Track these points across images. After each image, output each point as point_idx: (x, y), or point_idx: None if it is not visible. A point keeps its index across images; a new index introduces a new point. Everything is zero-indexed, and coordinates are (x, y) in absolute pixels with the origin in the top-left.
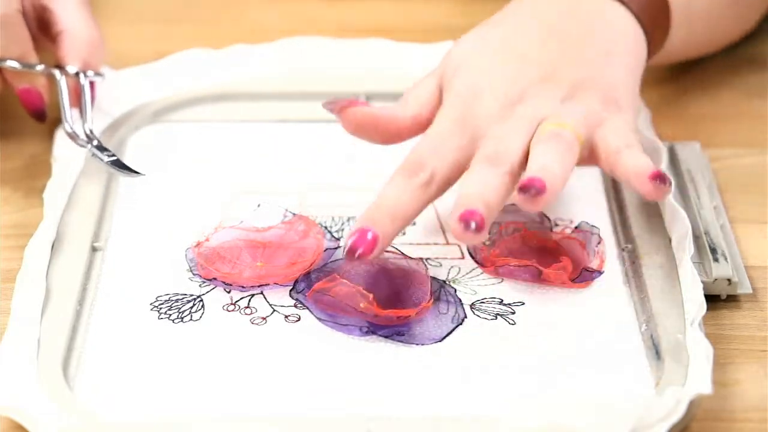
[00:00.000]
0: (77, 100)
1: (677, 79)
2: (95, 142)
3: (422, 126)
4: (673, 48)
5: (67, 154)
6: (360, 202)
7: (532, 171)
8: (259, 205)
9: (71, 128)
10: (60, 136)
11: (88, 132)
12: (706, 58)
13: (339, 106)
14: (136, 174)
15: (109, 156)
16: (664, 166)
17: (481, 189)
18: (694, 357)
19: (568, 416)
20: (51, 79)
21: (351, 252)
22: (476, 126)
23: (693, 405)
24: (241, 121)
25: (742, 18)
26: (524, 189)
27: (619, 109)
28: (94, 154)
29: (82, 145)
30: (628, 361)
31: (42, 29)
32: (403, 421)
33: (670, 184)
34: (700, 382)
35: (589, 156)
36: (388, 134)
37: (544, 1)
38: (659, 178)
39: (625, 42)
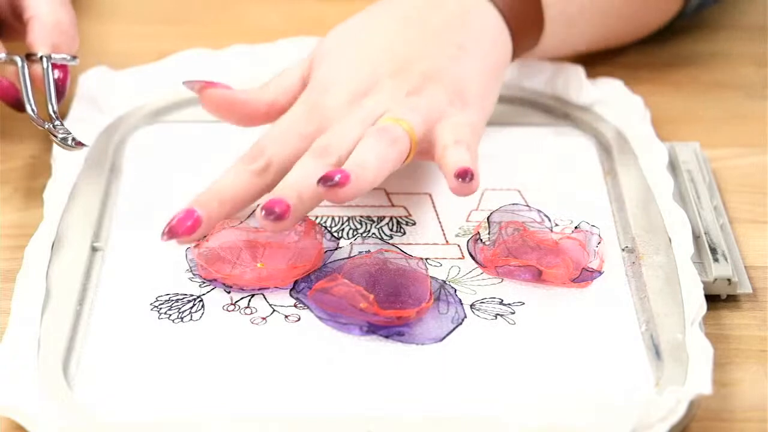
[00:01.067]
0: (54, 84)
1: (677, 79)
2: (57, 123)
3: (277, 113)
4: (555, 46)
5: (67, 154)
6: (360, 202)
7: (347, 163)
8: (259, 205)
9: (33, 111)
10: None
11: (52, 113)
12: (706, 57)
13: (198, 86)
14: (84, 146)
15: (63, 133)
16: (664, 166)
17: (299, 179)
18: (694, 357)
19: (568, 416)
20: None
21: (171, 233)
22: (323, 117)
23: (693, 405)
24: None
25: (637, 16)
26: (324, 180)
27: (465, 105)
28: (49, 132)
29: (40, 125)
30: (628, 361)
31: (18, 18)
32: (403, 422)
33: (472, 179)
34: (700, 382)
35: (425, 152)
36: (242, 117)
37: None
38: (463, 175)
39: (484, 39)
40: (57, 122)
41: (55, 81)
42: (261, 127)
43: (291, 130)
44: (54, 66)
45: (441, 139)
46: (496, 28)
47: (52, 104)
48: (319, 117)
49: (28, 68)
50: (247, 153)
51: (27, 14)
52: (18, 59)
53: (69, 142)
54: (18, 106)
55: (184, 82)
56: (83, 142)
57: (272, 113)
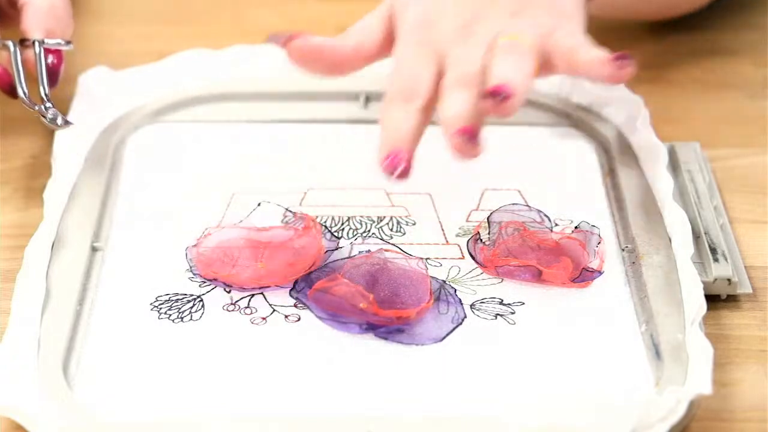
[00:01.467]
0: (46, 69)
1: (677, 79)
2: (48, 104)
3: (365, 57)
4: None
5: (67, 154)
6: (360, 202)
7: (495, 79)
8: (259, 205)
9: (24, 94)
10: (60, 136)
11: (44, 96)
12: (707, 57)
13: (284, 39)
14: (71, 124)
15: (52, 114)
16: (664, 166)
17: (461, 110)
18: (694, 357)
19: (568, 416)
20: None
21: (390, 170)
22: (438, 49)
23: (693, 405)
24: (241, 121)
25: None
26: (493, 94)
27: (568, 18)
28: (39, 113)
29: (31, 107)
30: (628, 361)
31: (12, 5)
32: (403, 422)
33: (625, 60)
34: (700, 382)
35: (545, 65)
36: (330, 65)
37: None
38: (621, 58)
39: None
40: (48, 104)
41: (50, 66)
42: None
43: (419, 65)
44: (48, 51)
45: (564, 45)
46: None
47: (44, 87)
48: (434, 50)
49: (21, 53)
50: (399, 92)
51: (21, 0)
52: (11, 44)
53: (58, 122)
54: (11, 92)
55: (268, 38)
56: (70, 121)
57: (359, 58)
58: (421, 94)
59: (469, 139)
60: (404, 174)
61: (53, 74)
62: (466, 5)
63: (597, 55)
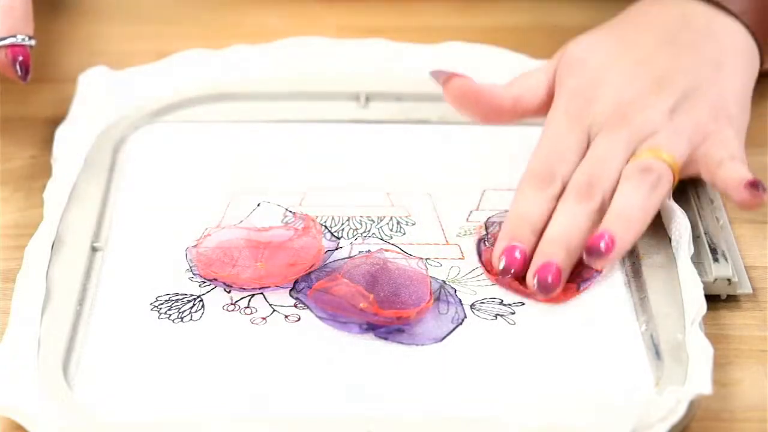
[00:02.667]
0: (9, 69)
1: None
2: None
3: (523, 111)
4: None
5: (67, 154)
6: (360, 202)
7: (610, 216)
8: (259, 205)
9: None
10: (60, 136)
11: None
12: None
13: (444, 77)
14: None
15: None
16: None
17: (567, 232)
18: (694, 357)
19: (568, 416)
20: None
21: (505, 271)
22: (590, 125)
23: (693, 405)
24: (241, 121)
25: None
26: (589, 251)
27: (729, 121)
28: None
29: None
30: (628, 361)
31: None
32: (403, 422)
33: (764, 191)
34: (700, 382)
35: (687, 167)
36: (487, 111)
37: (658, 11)
38: (755, 186)
39: (736, 54)
40: None
41: (20, 62)
42: (268, 131)
43: (565, 143)
44: (15, 48)
45: (714, 156)
46: (745, 43)
47: None
48: (587, 126)
49: None
50: (534, 176)
51: None
52: None
53: None
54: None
55: (430, 73)
56: None
57: (517, 110)
58: (558, 179)
59: (546, 286)
60: (517, 272)
61: (24, 69)
62: (628, 87)
63: (737, 175)
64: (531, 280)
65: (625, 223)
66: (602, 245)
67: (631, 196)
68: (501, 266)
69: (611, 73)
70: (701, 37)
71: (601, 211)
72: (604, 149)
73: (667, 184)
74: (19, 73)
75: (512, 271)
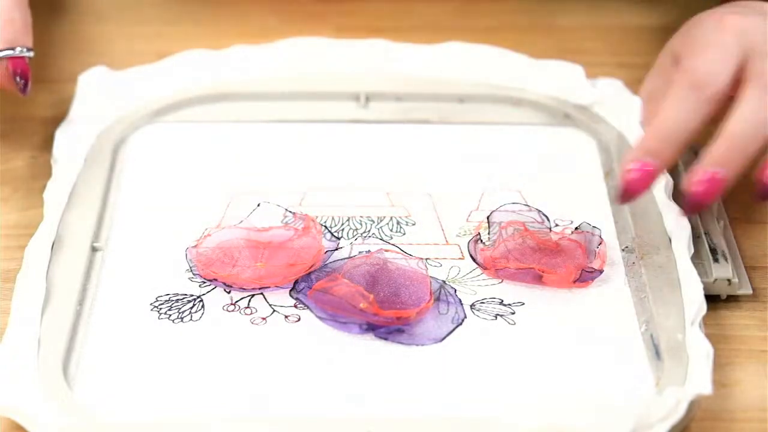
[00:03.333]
0: (8, 81)
1: None
2: None
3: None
4: None
5: (67, 154)
6: (360, 202)
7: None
8: (259, 205)
9: None
10: (60, 136)
11: None
12: None
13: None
14: None
15: None
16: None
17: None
18: (694, 357)
19: (568, 416)
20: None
21: (626, 191)
22: (747, 40)
23: (693, 405)
24: (241, 121)
25: None
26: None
27: None
28: None
29: None
30: (628, 361)
31: None
32: (403, 422)
33: None
34: (700, 382)
35: None
36: None
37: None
38: None
39: None
40: None
41: (19, 74)
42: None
43: (725, 49)
44: (15, 60)
45: None
46: None
47: None
48: (744, 40)
49: None
50: (695, 75)
51: None
52: None
53: None
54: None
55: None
56: None
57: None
58: (718, 81)
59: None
60: (641, 186)
61: (24, 81)
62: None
63: None
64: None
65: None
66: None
67: None
68: (625, 182)
69: (752, 17)
70: None
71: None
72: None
73: None
74: (20, 85)
75: (632, 191)
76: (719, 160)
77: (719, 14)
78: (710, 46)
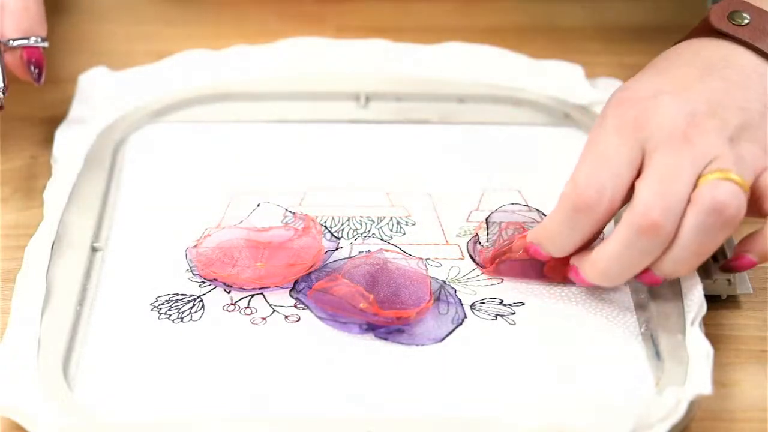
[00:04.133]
0: (23, 70)
1: None
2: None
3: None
4: None
5: (67, 154)
6: (360, 202)
7: (668, 261)
8: (259, 205)
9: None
10: (60, 136)
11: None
12: None
13: None
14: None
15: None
16: None
17: (624, 268)
18: (694, 357)
19: (568, 416)
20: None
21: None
22: (645, 140)
23: (693, 405)
24: (241, 121)
25: None
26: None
27: None
28: None
29: None
30: (628, 361)
31: None
32: (403, 422)
33: None
34: (700, 382)
35: (751, 206)
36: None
37: (696, 50)
38: None
39: None
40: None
41: (34, 62)
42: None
43: (615, 159)
44: (30, 49)
45: None
46: None
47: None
48: (641, 142)
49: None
50: (580, 194)
51: None
52: None
53: None
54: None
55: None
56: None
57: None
58: (605, 199)
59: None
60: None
61: (39, 70)
62: (683, 110)
63: None
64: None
65: (685, 268)
66: (648, 282)
67: (696, 240)
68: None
69: (662, 99)
70: (746, 77)
71: (663, 246)
72: (670, 166)
73: (737, 218)
74: (34, 74)
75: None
76: (589, 279)
77: (624, 98)
78: (600, 157)
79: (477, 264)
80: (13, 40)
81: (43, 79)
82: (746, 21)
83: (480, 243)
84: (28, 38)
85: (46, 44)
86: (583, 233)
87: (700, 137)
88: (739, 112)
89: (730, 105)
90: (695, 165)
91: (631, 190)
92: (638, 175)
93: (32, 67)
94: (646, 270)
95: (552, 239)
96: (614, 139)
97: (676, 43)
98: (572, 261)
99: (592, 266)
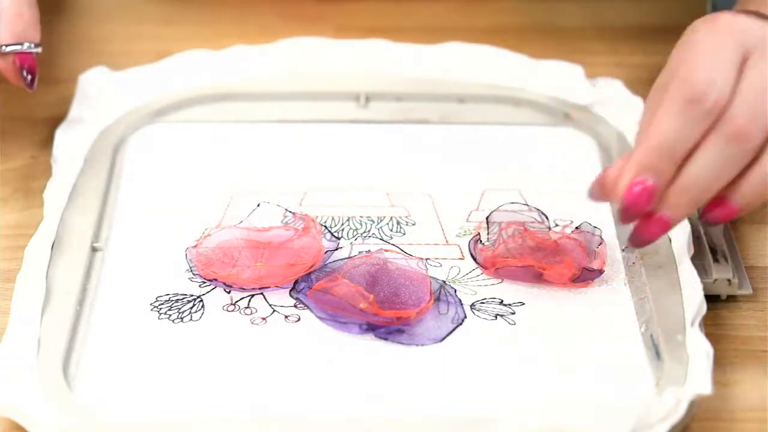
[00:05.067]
0: (15, 76)
1: None
2: None
3: None
4: None
5: (67, 154)
6: (360, 202)
7: (748, 187)
8: (259, 205)
9: None
10: (60, 136)
11: None
12: None
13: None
14: None
15: None
16: None
17: (711, 181)
18: (694, 357)
19: (568, 416)
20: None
21: (625, 211)
22: (743, 44)
23: (693, 405)
24: (241, 121)
25: None
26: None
27: None
28: None
29: None
30: (628, 361)
31: None
32: (403, 422)
33: None
34: (700, 382)
35: None
36: None
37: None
38: None
39: None
40: None
41: (27, 68)
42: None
43: (720, 60)
44: (22, 55)
45: None
46: None
47: None
48: (740, 40)
49: None
50: (686, 93)
51: None
52: None
53: None
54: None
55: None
56: None
57: None
58: (711, 98)
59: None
60: (638, 211)
61: (31, 76)
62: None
63: None
64: (620, 211)
65: (761, 193)
66: (720, 217)
67: None
68: (623, 204)
69: (744, 17)
70: None
71: (753, 154)
72: (747, 88)
73: None
74: (27, 80)
75: (632, 210)
76: (670, 205)
77: (712, 17)
78: (705, 53)
79: (478, 264)
80: (6, 45)
81: (35, 86)
82: None
83: (481, 242)
84: (21, 44)
85: (39, 50)
86: (694, 133)
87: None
88: None
89: None
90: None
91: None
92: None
93: (25, 73)
94: (723, 201)
95: (662, 149)
96: (714, 38)
97: None
98: (657, 202)
99: (681, 186)
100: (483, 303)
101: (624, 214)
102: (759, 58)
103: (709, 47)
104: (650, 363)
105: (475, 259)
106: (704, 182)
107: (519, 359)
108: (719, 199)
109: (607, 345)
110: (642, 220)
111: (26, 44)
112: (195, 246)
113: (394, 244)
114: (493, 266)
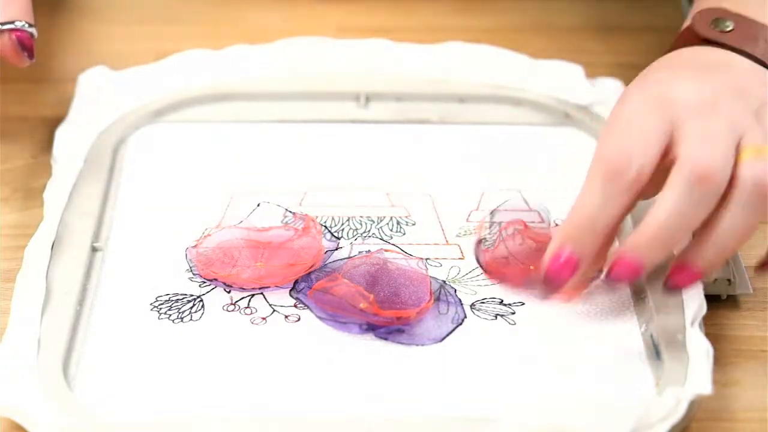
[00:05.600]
0: (15, 56)
1: None
2: None
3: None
4: None
5: (67, 154)
6: (360, 202)
7: (711, 247)
8: (259, 205)
9: None
10: (60, 136)
11: None
12: None
13: None
14: None
15: None
16: None
17: (673, 230)
18: (694, 357)
19: (568, 416)
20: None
21: (549, 281)
22: (674, 112)
23: (693, 405)
24: (241, 121)
25: None
26: (674, 275)
27: None
28: None
29: None
30: (628, 361)
31: None
32: (403, 422)
33: None
34: (700, 382)
35: None
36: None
37: (698, 54)
38: None
39: None
40: None
41: (23, 45)
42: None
43: (644, 128)
44: (18, 32)
45: None
46: None
47: None
48: (670, 113)
49: None
50: (608, 163)
51: None
52: None
53: None
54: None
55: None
56: None
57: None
58: (633, 168)
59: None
60: (562, 281)
61: (29, 51)
62: (705, 88)
63: None
64: (606, 275)
65: (726, 251)
66: (685, 280)
67: (742, 221)
68: (545, 272)
69: (684, 80)
70: (750, 75)
71: (717, 197)
72: (708, 130)
73: None
74: (24, 54)
75: (558, 278)
76: (638, 250)
77: (645, 81)
78: (628, 125)
79: (480, 265)
80: (2, 24)
81: (33, 59)
82: (730, 27)
83: (484, 243)
84: (13, 22)
85: (33, 31)
86: (614, 207)
87: (729, 109)
88: (759, 93)
89: (748, 89)
90: (732, 131)
91: (658, 171)
92: (666, 152)
93: (21, 48)
94: (685, 266)
95: (582, 223)
96: (641, 107)
97: (665, 53)
98: (616, 250)
99: (641, 234)
100: (483, 303)
101: (546, 286)
102: (684, 136)
103: (633, 117)
104: (650, 363)
105: (477, 261)
106: (668, 233)
107: (519, 359)
108: (681, 263)
109: (607, 345)
110: (614, 262)
111: (18, 23)
112: (195, 246)
113: (394, 244)
114: (494, 272)
